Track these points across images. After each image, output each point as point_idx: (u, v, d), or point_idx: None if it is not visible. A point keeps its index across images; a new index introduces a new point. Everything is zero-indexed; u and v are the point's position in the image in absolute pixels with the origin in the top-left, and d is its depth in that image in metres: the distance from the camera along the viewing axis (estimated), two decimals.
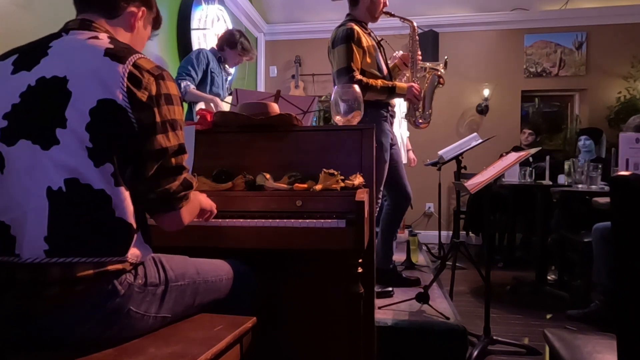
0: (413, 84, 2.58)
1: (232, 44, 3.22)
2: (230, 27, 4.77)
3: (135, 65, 0.95)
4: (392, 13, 2.63)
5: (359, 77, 2.32)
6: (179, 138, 1.02)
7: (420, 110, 2.65)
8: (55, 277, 0.86)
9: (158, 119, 0.96)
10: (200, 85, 3.11)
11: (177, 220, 1.06)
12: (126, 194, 0.93)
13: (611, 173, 2.90)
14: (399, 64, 2.80)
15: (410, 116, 2.68)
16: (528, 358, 2.21)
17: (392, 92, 2.46)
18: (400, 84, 2.53)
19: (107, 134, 0.90)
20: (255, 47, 5.88)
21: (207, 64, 3.12)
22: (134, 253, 0.95)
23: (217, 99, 3.07)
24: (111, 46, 0.96)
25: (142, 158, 0.96)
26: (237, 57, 3.28)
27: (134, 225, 0.95)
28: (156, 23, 1.23)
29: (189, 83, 2.99)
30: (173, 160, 1.01)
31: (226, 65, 3.35)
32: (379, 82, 2.41)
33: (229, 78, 3.48)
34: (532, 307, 3.01)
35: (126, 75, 0.92)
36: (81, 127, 0.89)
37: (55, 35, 1.00)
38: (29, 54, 0.97)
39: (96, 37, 0.98)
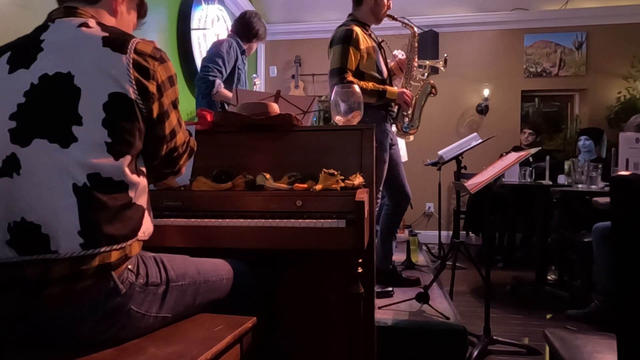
0: (405, 90, 2.58)
1: (261, 37, 3.07)
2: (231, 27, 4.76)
3: (137, 51, 0.95)
4: (395, 17, 2.63)
5: (350, 78, 2.33)
6: (179, 113, 1.09)
7: (409, 116, 2.65)
8: (64, 272, 0.86)
9: (165, 104, 1.01)
10: (227, 82, 2.92)
11: (177, 176, 1.22)
12: (141, 180, 0.98)
13: (611, 173, 2.90)
14: (395, 68, 2.79)
15: (398, 121, 2.68)
16: (528, 358, 2.21)
17: (382, 96, 2.46)
18: (392, 88, 2.52)
19: (123, 127, 0.92)
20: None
21: (236, 59, 2.94)
22: (143, 231, 0.99)
23: None
24: (106, 34, 0.96)
25: (154, 142, 1.02)
26: (257, 45, 3.14)
27: (145, 206, 1.00)
28: (141, 9, 1.22)
29: (220, 82, 2.80)
30: (180, 135, 1.09)
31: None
32: (370, 85, 2.40)
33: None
34: (532, 307, 3.01)
35: (131, 65, 0.93)
36: (97, 123, 0.90)
37: (43, 27, 0.99)
38: (22, 51, 0.96)
39: (86, 25, 0.97)
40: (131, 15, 1.18)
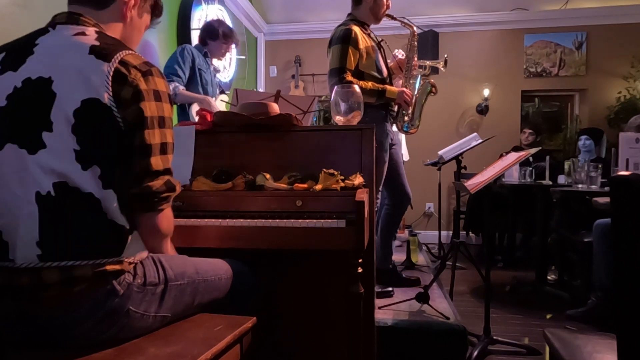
0: (404, 89, 2.58)
1: (214, 35, 3.08)
2: (230, 26, 4.77)
3: (122, 62, 0.92)
4: (394, 16, 2.63)
5: (349, 78, 2.33)
6: (166, 137, 0.99)
7: (409, 115, 2.66)
8: (54, 279, 0.86)
9: (145, 114, 0.94)
10: (190, 85, 2.96)
11: (153, 223, 1.01)
12: (116, 196, 0.92)
13: (611, 173, 2.90)
14: (394, 67, 2.79)
15: (398, 121, 2.68)
16: (528, 358, 2.21)
17: (382, 95, 2.45)
18: (392, 88, 2.52)
19: (93, 135, 0.89)
20: (255, 47, 5.88)
21: (193, 61, 2.96)
22: (130, 253, 0.95)
23: (209, 99, 2.95)
24: (97, 43, 0.94)
25: (127, 154, 0.94)
26: (222, 46, 3.13)
27: (127, 226, 0.95)
28: (156, 10, 1.18)
29: (177, 84, 2.83)
30: (157, 158, 0.97)
31: (214, 61, 3.22)
32: (369, 85, 2.40)
33: (217, 75, 3.31)
34: (532, 307, 3.01)
35: (111, 73, 0.90)
36: (67, 129, 0.88)
37: (42, 31, 0.98)
38: (15, 53, 0.95)
39: (83, 33, 0.96)
40: (144, 19, 1.15)
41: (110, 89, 0.90)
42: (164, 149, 0.99)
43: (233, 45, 3.27)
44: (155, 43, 3.47)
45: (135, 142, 0.94)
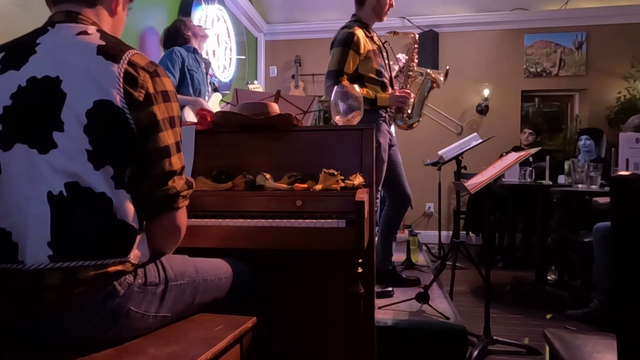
0: (395, 92, 2.55)
1: (190, 36, 3.05)
2: (231, 27, 4.77)
3: (130, 63, 0.93)
4: (397, 32, 2.66)
5: (345, 83, 2.32)
6: (177, 135, 1.01)
7: (407, 112, 2.65)
8: (55, 281, 0.85)
9: (157, 117, 0.95)
10: (181, 86, 2.94)
11: (174, 222, 1.03)
12: (127, 196, 0.93)
13: (611, 173, 2.90)
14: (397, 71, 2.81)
15: (397, 120, 2.69)
16: (528, 358, 2.21)
17: (374, 104, 2.44)
18: (382, 95, 2.50)
19: (105, 136, 0.89)
20: (255, 47, 5.89)
21: (183, 62, 2.94)
22: (136, 254, 0.95)
23: (201, 100, 2.93)
24: (103, 42, 0.94)
25: (144, 157, 0.95)
26: (193, 40, 3.06)
27: (136, 227, 0.95)
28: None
29: None
30: (175, 157, 1.00)
31: (203, 57, 3.18)
32: (363, 92, 2.40)
33: (216, 74, 3.22)
34: (532, 307, 3.01)
35: (122, 75, 0.91)
36: (79, 130, 0.87)
37: (41, 31, 0.97)
38: (15, 52, 0.95)
39: (85, 32, 0.96)
40: (125, 12, 1.16)
41: (122, 91, 0.90)
42: (178, 147, 1.01)
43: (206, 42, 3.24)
44: (155, 43, 3.47)
45: (151, 145, 0.95)
